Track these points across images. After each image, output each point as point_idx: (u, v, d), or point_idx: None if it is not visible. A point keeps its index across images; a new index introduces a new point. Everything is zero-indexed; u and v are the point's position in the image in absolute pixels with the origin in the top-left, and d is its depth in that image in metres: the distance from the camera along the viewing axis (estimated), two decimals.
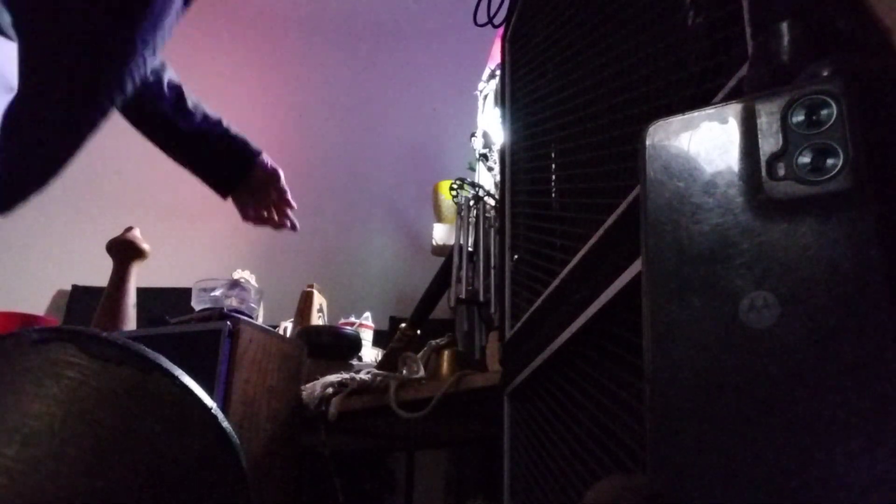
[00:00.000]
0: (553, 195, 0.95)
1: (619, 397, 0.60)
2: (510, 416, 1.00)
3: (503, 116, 1.26)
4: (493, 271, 1.53)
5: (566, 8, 0.91)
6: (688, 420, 0.36)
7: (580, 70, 0.84)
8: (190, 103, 1.14)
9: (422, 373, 1.44)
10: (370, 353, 1.98)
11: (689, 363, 0.37)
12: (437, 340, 1.53)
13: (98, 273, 2.50)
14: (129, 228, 1.75)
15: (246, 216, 1.28)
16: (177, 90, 1.12)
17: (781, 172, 0.37)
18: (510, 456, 0.98)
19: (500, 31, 1.34)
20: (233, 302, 1.55)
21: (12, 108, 0.72)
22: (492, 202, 1.69)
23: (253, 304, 1.60)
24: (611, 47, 0.74)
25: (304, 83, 3.21)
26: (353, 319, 2.08)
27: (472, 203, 1.73)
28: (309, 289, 2.08)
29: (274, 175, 1.28)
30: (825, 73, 0.37)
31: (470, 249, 1.64)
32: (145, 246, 1.74)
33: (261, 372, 1.41)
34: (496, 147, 1.82)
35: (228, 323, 1.37)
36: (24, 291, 2.43)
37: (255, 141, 1.25)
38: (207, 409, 0.84)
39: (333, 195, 3.07)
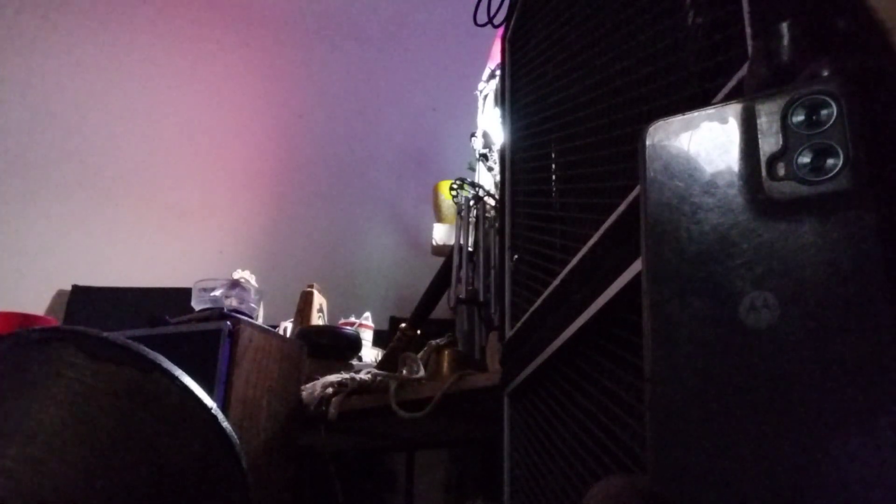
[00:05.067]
0: (553, 195, 0.95)
1: (619, 397, 0.60)
2: (510, 416, 1.00)
3: (503, 116, 1.26)
4: (493, 271, 1.53)
5: (566, 8, 0.91)
6: (688, 420, 0.36)
7: (580, 70, 0.84)
8: None
9: (422, 373, 1.44)
10: (370, 353, 1.99)
11: (689, 363, 0.37)
12: (437, 340, 1.53)
13: (98, 273, 2.51)
14: None
15: None
16: None
17: (781, 172, 0.37)
18: (510, 456, 0.98)
19: (500, 31, 1.34)
20: (233, 302, 1.55)
21: None
22: (492, 202, 1.69)
23: (253, 304, 1.60)
24: (611, 47, 0.74)
25: (305, 83, 3.21)
26: (353, 319, 2.08)
27: (472, 203, 1.73)
28: (309, 289, 2.08)
29: None
30: (825, 73, 0.37)
31: (470, 249, 1.64)
32: None
33: (261, 372, 1.41)
34: (496, 147, 1.82)
35: (228, 323, 1.37)
36: (24, 291, 2.43)
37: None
38: (207, 409, 0.84)
39: (333, 195, 3.07)
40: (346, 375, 1.53)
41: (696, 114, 0.41)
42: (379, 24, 3.34)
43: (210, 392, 1.05)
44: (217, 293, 1.57)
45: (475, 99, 2.02)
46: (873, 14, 0.40)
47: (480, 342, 1.52)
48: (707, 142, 0.40)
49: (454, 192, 1.81)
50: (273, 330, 1.60)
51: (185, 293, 1.65)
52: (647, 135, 0.43)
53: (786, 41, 0.41)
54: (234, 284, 1.61)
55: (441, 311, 1.88)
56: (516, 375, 0.95)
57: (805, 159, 0.36)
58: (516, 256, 1.07)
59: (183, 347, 1.36)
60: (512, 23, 1.23)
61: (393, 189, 3.18)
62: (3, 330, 1.43)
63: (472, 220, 1.70)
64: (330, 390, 1.49)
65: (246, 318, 1.45)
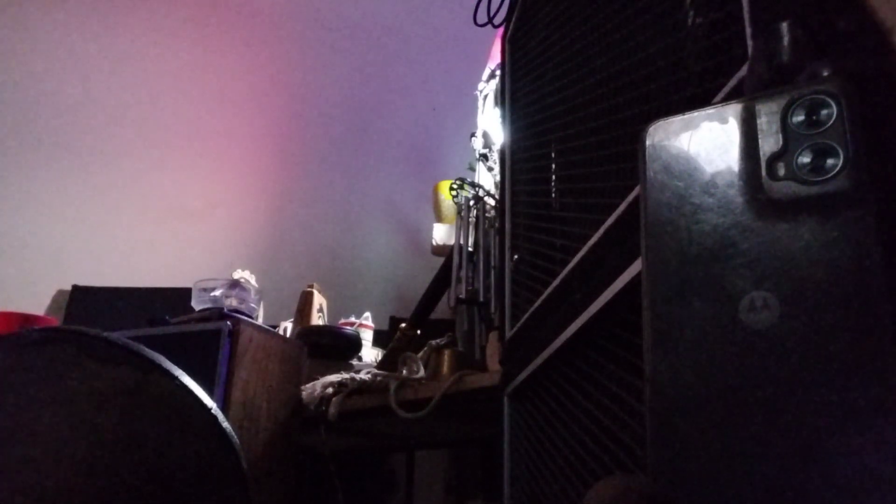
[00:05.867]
0: (553, 195, 0.95)
1: (619, 397, 0.60)
2: (510, 416, 1.00)
3: (503, 116, 1.26)
4: (493, 271, 1.53)
5: (566, 8, 0.91)
6: (688, 420, 0.36)
7: (580, 70, 0.84)
8: None
9: (422, 373, 1.44)
10: (370, 353, 1.99)
11: (689, 363, 0.37)
12: (437, 340, 1.53)
13: (98, 273, 2.51)
14: None
15: None
16: None
17: (781, 172, 0.37)
18: (510, 456, 0.98)
19: (500, 31, 1.34)
20: (233, 302, 1.55)
21: None
22: (492, 202, 1.69)
23: (253, 304, 1.60)
24: (611, 47, 0.74)
25: (305, 83, 3.21)
26: (353, 319, 2.08)
27: (472, 203, 1.73)
28: (309, 289, 2.08)
29: None
30: (825, 73, 0.37)
31: (470, 249, 1.64)
32: None
33: (261, 372, 1.41)
34: (496, 147, 1.82)
35: (228, 323, 1.37)
36: (24, 291, 2.43)
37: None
38: (207, 410, 0.84)
39: (333, 195, 3.07)
40: (346, 375, 1.53)
41: (696, 114, 0.41)
42: (379, 24, 3.34)
43: (210, 392, 1.05)
44: (217, 293, 1.57)
45: (475, 99, 2.02)
46: (873, 14, 0.40)
47: (480, 342, 1.52)
48: (707, 142, 0.40)
49: (454, 192, 1.82)
50: (273, 330, 1.60)
51: (185, 293, 1.65)
52: (647, 135, 0.43)
53: (786, 41, 0.41)
54: (234, 284, 1.61)
55: (441, 311, 1.89)
56: (516, 375, 0.95)
57: (805, 159, 0.36)
58: (516, 256, 1.07)
59: (183, 347, 1.36)
60: (512, 23, 1.23)
61: (393, 189, 3.18)
62: (3, 330, 1.43)
63: (472, 220, 1.70)
64: (330, 390, 1.49)
65: (246, 318, 1.45)
